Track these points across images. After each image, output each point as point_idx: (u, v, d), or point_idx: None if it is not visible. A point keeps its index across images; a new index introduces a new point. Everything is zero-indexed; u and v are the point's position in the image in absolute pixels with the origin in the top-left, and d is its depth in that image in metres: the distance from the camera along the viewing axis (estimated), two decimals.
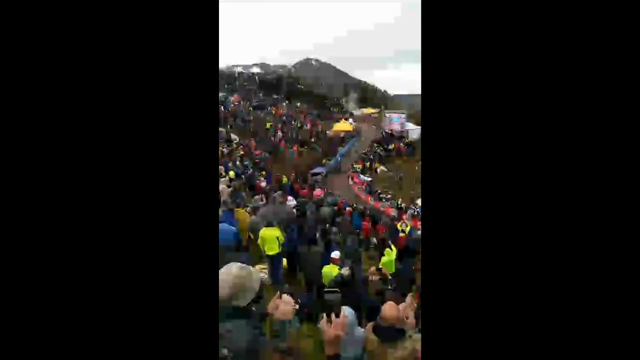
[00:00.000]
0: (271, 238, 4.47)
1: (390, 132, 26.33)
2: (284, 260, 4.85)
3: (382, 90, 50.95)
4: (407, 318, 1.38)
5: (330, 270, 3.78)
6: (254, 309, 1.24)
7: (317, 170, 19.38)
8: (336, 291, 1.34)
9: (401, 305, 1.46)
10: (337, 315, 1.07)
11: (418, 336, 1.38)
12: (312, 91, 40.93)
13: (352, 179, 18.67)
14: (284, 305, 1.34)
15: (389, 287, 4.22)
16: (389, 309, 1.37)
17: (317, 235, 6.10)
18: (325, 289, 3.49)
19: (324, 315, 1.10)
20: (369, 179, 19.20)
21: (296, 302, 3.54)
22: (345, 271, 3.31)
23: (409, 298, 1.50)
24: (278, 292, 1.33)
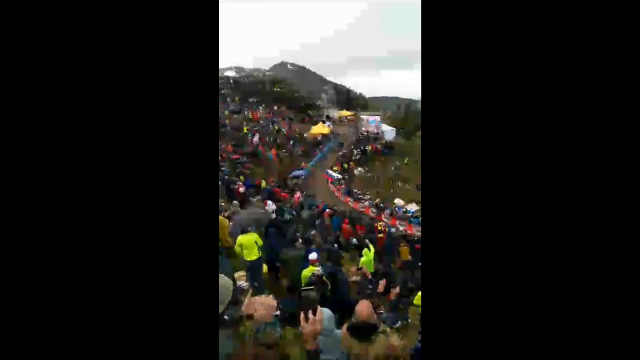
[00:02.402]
0: (249, 243, 4.40)
1: (366, 133, 26.84)
2: (265, 266, 4.79)
3: (358, 93, 51.88)
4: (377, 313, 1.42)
5: (308, 272, 3.79)
6: (226, 317, 1.22)
7: (296, 173, 19.33)
8: (311, 289, 1.36)
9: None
10: (314, 313, 1.10)
11: (390, 331, 1.42)
12: (288, 94, 40.88)
13: (328, 181, 18.78)
14: (263, 307, 1.32)
15: (370, 287, 4.28)
16: (362, 307, 1.39)
17: (298, 239, 6.09)
18: (302, 288, 3.48)
19: (301, 312, 1.12)
20: (339, 176, 19.35)
21: (277, 308, 3.49)
22: (318, 272, 3.33)
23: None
24: (250, 292, 1.32)
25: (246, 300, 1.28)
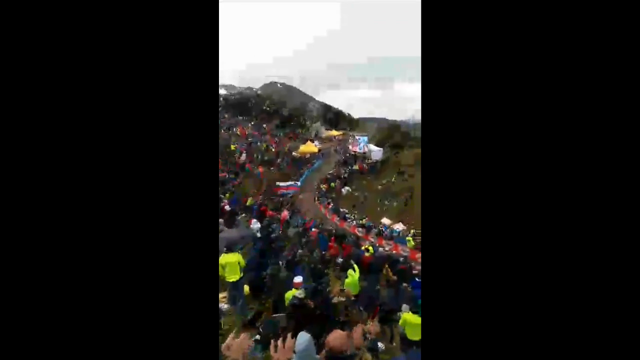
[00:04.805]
0: (232, 264, 4.31)
1: (354, 153, 27.27)
2: (246, 287, 4.67)
3: (347, 114, 53.11)
4: (357, 340, 1.41)
5: (291, 294, 3.73)
6: None
7: (283, 191, 19.27)
8: (281, 316, 1.36)
9: (355, 331, 1.49)
10: (284, 339, 1.10)
11: (368, 355, 1.42)
12: (277, 113, 41.40)
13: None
14: (238, 345, 1.29)
15: (354, 309, 4.23)
16: (334, 339, 1.38)
17: (283, 258, 6.01)
18: (272, 315, 3.41)
19: (272, 340, 1.12)
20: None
21: (257, 332, 3.38)
22: (300, 294, 3.28)
23: (357, 328, 1.54)
24: (231, 335, 1.28)
25: (226, 342, 1.24)
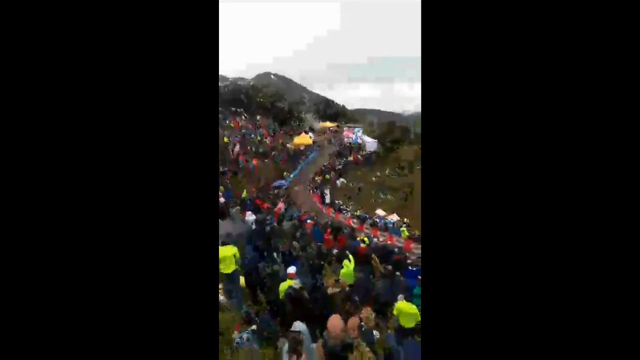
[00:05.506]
0: (227, 256, 4.32)
1: (348, 144, 27.25)
2: (242, 279, 4.69)
3: (341, 105, 52.80)
4: (353, 331, 1.43)
5: (286, 285, 3.76)
6: None
7: (278, 183, 19.23)
8: (298, 332, 1.38)
9: (349, 321, 1.51)
10: (300, 355, 1.10)
11: (364, 347, 1.44)
12: (272, 104, 40.97)
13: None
14: None
15: (349, 299, 4.28)
16: (332, 324, 1.39)
17: (279, 251, 6.03)
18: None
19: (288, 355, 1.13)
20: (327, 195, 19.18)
21: (255, 324, 3.40)
22: (296, 284, 3.31)
23: (352, 320, 1.56)
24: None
25: None
